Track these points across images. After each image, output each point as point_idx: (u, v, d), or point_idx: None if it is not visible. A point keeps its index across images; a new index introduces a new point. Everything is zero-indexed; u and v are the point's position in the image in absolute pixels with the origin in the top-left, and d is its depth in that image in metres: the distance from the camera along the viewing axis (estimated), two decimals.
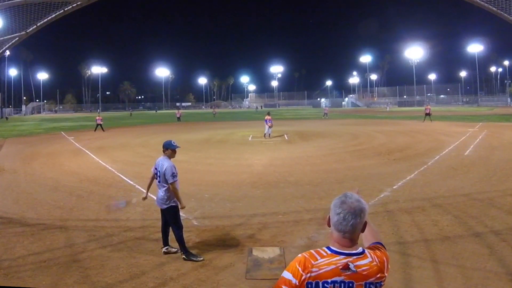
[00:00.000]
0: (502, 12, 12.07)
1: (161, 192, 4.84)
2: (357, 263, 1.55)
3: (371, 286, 1.56)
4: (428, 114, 29.62)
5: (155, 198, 5.13)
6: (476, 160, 11.58)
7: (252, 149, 15.68)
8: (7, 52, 47.57)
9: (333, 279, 1.53)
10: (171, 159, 4.93)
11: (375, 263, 1.57)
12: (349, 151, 14.12)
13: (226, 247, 5.20)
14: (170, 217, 4.87)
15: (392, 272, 4.28)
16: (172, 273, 4.45)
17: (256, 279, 4.25)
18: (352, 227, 1.58)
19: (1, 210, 7.25)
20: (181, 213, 5.03)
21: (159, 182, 4.86)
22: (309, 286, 1.53)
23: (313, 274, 1.53)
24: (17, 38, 10.84)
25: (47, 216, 6.80)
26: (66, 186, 9.23)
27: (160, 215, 5.14)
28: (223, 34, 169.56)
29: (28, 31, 10.45)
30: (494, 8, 11.96)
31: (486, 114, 41.26)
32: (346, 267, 1.53)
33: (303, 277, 1.53)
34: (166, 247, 5.02)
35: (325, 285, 1.52)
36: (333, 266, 1.53)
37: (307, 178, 9.44)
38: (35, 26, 10.38)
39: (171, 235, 4.99)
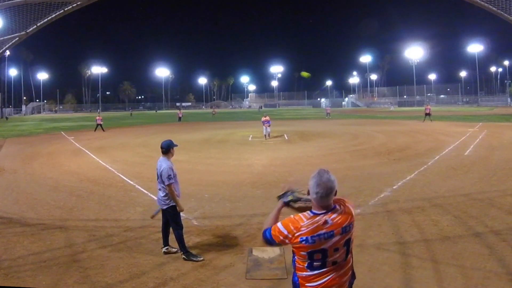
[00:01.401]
0: (502, 12, 12.05)
1: (161, 193, 4.84)
2: (332, 216, 2.13)
3: (346, 228, 2.15)
4: (428, 114, 29.63)
5: (155, 198, 5.13)
6: (476, 160, 11.58)
7: (252, 149, 15.68)
8: (7, 52, 47.60)
9: (318, 233, 2.09)
10: (171, 157, 4.94)
11: (343, 211, 2.16)
12: (349, 151, 14.12)
13: (226, 247, 5.20)
14: (170, 217, 4.87)
15: (392, 272, 4.29)
16: (172, 273, 4.45)
17: (256, 279, 4.25)
18: (327, 201, 2.15)
19: (1, 210, 7.24)
20: (181, 213, 5.02)
21: (159, 182, 4.86)
22: (302, 239, 2.10)
23: (303, 232, 2.10)
24: (17, 38, 10.82)
25: (47, 216, 6.80)
26: (66, 186, 9.22)
27: (160, 215, 5.14)
28: (223, 34, 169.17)
29: (28, 31, 10.43)
30: (494, 8, 11.95)
31: (486, 114, 41.27)
32: (325, 223, 2.11)
33: (296, 234, 2.11)
34: (166, 247, 5.02)
35: (313, 238, 2.09)
36: (316, 224, 2.10)
37: (307, 178, 9.31)
38: (35, 26, 10.36)
39: (171, 235, 4.99)
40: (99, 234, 5.78)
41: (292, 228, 2.14)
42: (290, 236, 2.13)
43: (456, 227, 5.74)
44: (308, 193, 2.21)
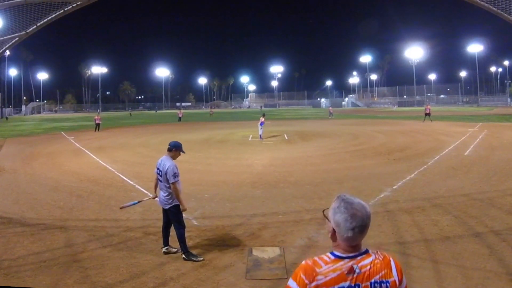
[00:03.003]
0: (502, 12, 12.07)
1: (164, 192, 4.83)
2: (361, 263, 1.53)
3: (376, 285, 1.52)
4: (428, 114, 29.61)
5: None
6: (476, 160, 11.59)
7: (252, 149, 15.68)
8: (7, 52, 47.57)
9: (340, 285, 1.50)
10: (174, 160, 4.93)
11: (378, 260, 1.56)
12: (349, 151, 14.12)
13: (226, 247, 5.20)
14: (173, 216, 4.86)
15: None
16: (172, 273, 4.45)
17: (256, 279, 4.25)
18: (363, 236, 1.57)
19: (1, 210, 7.24)
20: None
21: (161, 182, 4.85)
22: None
23: (319, 282, 1.49)
24: (17, 38, 10.84)
25: (47, 216, 6.80)
26: (66, 186, 9.22)
27: (160, 215, 5.14)
28: (223, 34, 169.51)
29: (28, 31, 10.45)
30: (494, 8, 11.96)
31: (486, 114, 41.25)
32: (351, 271, 1.51)
33: (308, 286, 1.50)
34: (166, 247, 5.02)
35: None
36: (338, 272, 1.51)
37: (307, 178, 9.44)
38: (35, 26, 10.38)
39: (172, 235, 4.99)
40: (99, 234, 5.78)
41: (303, 277, 1.51)
42: None
43: (456, 227, 5.75)
44: (333, 234, 1.59)
